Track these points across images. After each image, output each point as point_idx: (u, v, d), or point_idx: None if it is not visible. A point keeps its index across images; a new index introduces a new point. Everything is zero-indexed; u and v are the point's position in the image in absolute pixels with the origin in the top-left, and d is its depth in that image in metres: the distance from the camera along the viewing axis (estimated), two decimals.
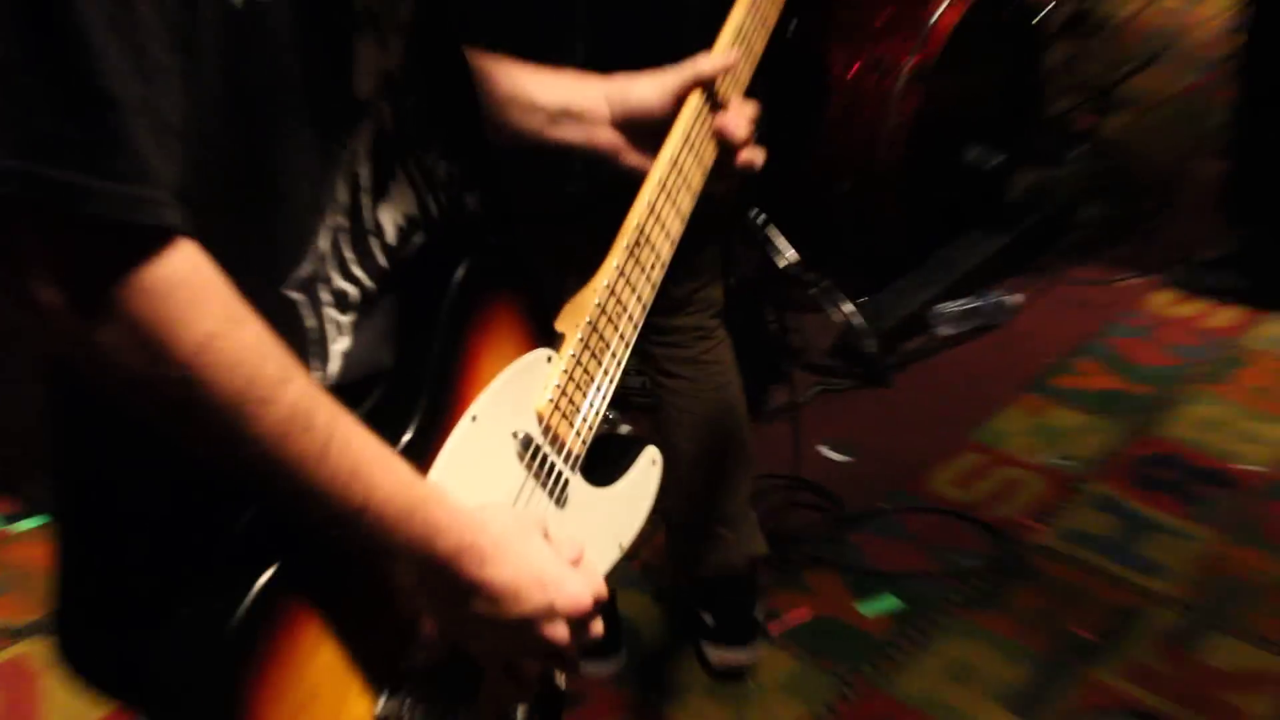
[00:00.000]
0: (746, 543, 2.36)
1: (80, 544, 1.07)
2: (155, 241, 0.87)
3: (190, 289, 0.87)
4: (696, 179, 1.30)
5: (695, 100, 1.29)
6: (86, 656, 1.08)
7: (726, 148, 1.32)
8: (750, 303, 3.12)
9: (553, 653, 1.06)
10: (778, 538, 2.65)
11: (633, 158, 1.33)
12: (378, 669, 1.04)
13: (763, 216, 3.11)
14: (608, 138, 1.33)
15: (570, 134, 1.34)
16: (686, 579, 2.41)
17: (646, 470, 1.31)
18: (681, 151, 1.28)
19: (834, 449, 2.98)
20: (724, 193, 1.33)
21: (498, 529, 1.03)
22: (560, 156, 1.33)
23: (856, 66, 3.36)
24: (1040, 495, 2.82)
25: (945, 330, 3.43)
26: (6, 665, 2.40)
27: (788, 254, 3.24)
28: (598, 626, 1.08)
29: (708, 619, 2.39)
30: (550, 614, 1.04)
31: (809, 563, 2.63)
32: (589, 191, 2.00)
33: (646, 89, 1.32)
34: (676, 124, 1.28)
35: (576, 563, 1.07)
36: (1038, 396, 3.18)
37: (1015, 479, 2.88)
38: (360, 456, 0.95)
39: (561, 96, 1.33)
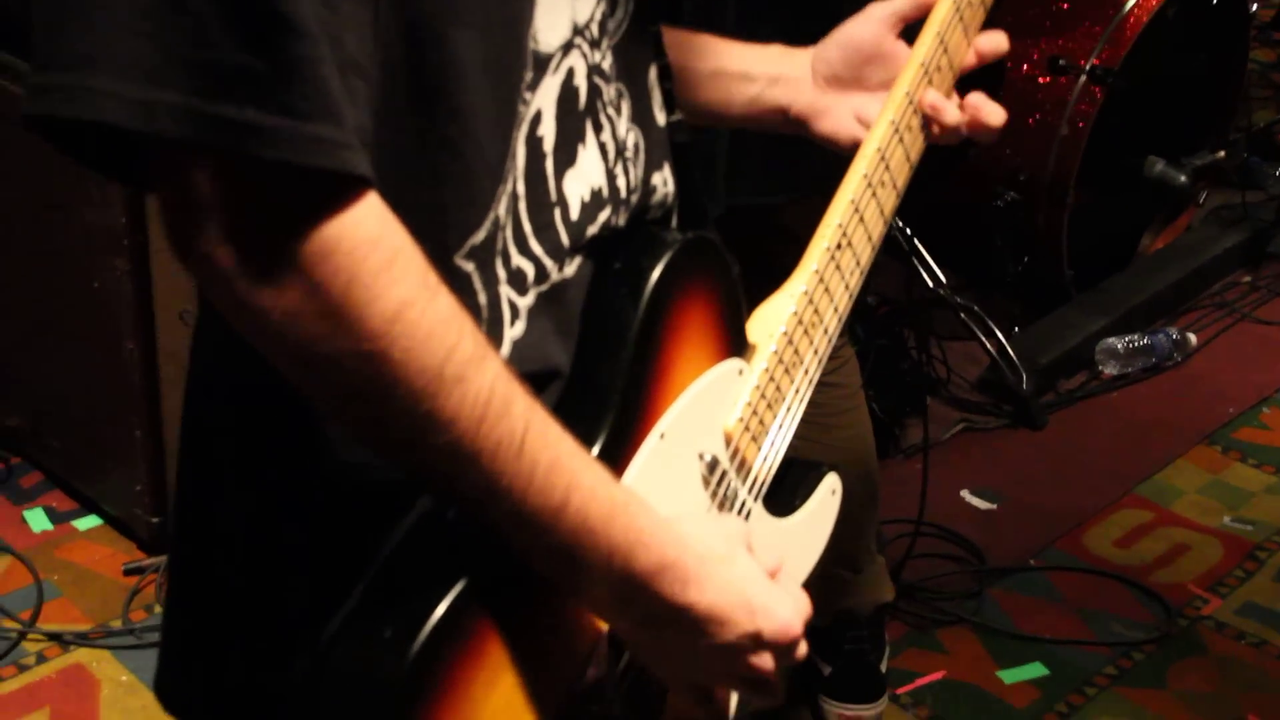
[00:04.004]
0: (871, 587, 2.42)
1: (208, 548, 1.08)
2: (345, 192, 0.86)
3: (383, 249, 0.87)
4: (903, 172, 1.30)
5: (920, 54, 1.29)
6: (198, 692, 1.09)
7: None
8: (889, 324, 3.20)
9: (754, 681, 1.08)
10: (910, 589, 2.75)
11: (838, 126, 1.34)
12: (555, 701, 1.04)
13: (908, 228, 3.15)
14: (809, 100, 1.35)
15: (779, 97, 1.37)
16: None
17: (826, 501, 1.33)
18: (888, 139, 1.27)
19: (977, 495, 3.08)
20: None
21: (701, 546, 1.04)
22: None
23: (1030, 61, 3.44)
24: (1214, 562, 2.91)
25: (1110, 369, 3.49)
26: (62, 676, 2.56)
27: (935, 272, 3.31)
28: (802, 650, 1.09)
29: (825, 670, 2.45)
30: (757, 642, 1.06)
31: (944, 620, 2.74)
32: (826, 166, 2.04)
33: (855, 25, 1.34)
34: (893, 91, 1.29)
35: (776, 575, 1.10)
36: (1215, 450, 3.27)
37: (1184, 541, 2.97)
38: (560, 448, 0.96)
39: (773, 65, 1.37)
